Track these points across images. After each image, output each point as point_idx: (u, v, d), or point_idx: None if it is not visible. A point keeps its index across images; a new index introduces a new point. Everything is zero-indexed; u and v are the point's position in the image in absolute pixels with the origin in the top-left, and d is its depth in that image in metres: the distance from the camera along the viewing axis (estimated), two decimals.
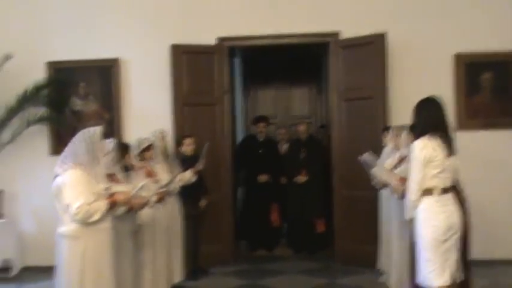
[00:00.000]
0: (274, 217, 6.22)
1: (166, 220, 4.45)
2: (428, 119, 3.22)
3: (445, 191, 3.21)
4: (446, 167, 3.20)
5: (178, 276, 4.68)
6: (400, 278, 4.20)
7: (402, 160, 4.14)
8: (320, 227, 6.06)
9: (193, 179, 4.88)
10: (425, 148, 3.15)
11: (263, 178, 6.11)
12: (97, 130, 3.11)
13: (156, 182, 4.26)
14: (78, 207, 2.90)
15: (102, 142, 3.12)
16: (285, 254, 6.05)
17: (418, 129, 3.28)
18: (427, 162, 3.15)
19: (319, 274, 5.25)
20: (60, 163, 3.04)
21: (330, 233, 5.92)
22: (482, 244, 4.98)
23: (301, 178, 6.00)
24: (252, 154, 6.22)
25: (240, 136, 7.51)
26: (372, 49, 5.28)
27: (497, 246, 5.37)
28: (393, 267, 4.34)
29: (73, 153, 3.01)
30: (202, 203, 5.14)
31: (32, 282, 5.14)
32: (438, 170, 3.17)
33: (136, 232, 3.94)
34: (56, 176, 3.02)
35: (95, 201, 2.97)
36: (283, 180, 6.13)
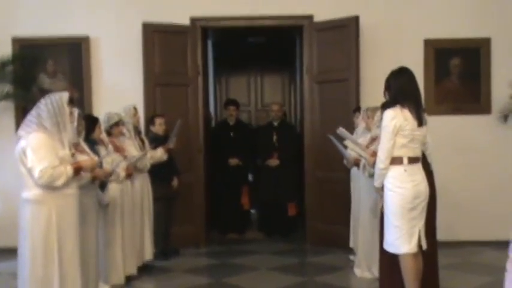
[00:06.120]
0: (245, 200, 6.21)
1: (136, 197, 4.38)
2: (400, 89, 3.26)
3: (413, 160, 3.25)
4: (416, 137, 3.24)
5: (148, 255, 4.63)
6: (369, 256, 4.24)
7: (374, 140, 4.18)
8: (292, 210, 6.07)
9: (165, 157, 4.82)
10: (396, 117, 3.18)
11: (234, 162, 6.07)
12: (63, 95, 3.02)
13: (124, 157, 4.17)
14: (41, 171, 2.82)
15: (68, 108, 3.02)
16: (257, 237, 6.04)
17: (389, 99, 3.31)
18: (397, 131, 3.18)
19: (290, 254, 5.28)
20: (24, 126, 2.95)
21: (301, 216, 5.95)
22: (450, 226, 5.11)
23: (273, 161, 6.00)
24: (223, 137, 6.18)
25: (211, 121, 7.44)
26: (345, 32, 5.30)
27: (464, 228, 5.48)
28: (361, 245, 4.37)
29: (37, 116, 2.92)
30: (175, 182, 5.09)
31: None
32: (407, 140, 3.20)
33: (105, 207, 3.87)
34: (20, 138, 2.92)
35: (59, 165, 2.89)
36: (258, 162, 6.12)
